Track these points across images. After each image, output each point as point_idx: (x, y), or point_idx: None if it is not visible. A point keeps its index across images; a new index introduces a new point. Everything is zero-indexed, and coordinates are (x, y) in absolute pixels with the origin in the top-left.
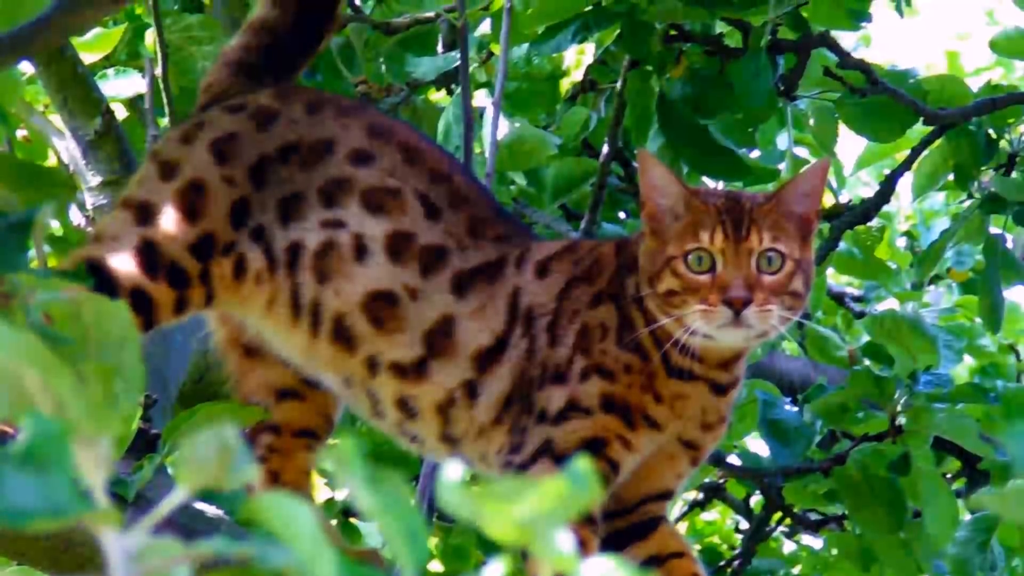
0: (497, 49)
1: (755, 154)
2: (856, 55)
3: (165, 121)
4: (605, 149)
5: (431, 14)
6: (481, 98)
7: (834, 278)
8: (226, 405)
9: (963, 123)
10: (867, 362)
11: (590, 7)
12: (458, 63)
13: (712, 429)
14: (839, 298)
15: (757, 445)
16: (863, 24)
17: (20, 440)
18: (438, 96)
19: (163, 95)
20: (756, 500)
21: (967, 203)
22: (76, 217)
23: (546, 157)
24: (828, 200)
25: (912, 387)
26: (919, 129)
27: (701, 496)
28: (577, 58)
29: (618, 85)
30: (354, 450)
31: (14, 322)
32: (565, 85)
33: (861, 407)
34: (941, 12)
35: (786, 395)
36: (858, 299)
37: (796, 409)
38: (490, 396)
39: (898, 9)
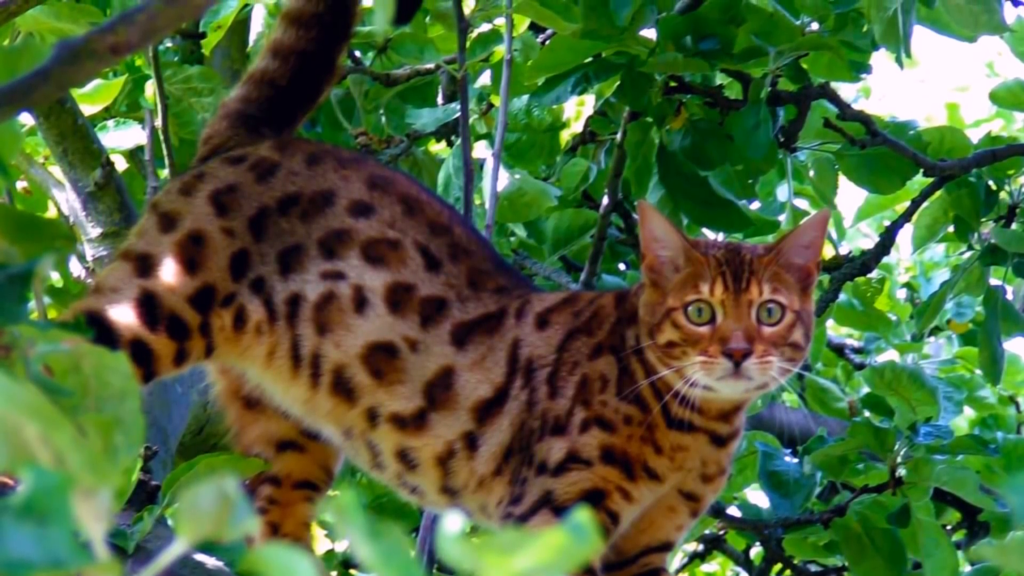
0: (497, 101)
1: (755, 205)
2: (856, 107)
3: (165, 172)
4: (605, 200)
5: (431, 66)
6: (481, 149)
7: (834, 329)
8: (226, 457)
9: (963, 175)
10: (867, 414)
11: (590, 59)
12: (458, 115)
13: (712, 480)
14: (839, 349)
15: (757, 497)
16: (863, 76)
17: (20, 492)
18: (438, 148)
19: (163, 146)
20: (756, 552)
21: (967, 255)
22: (76, 269)
23: (546, 209)
24: (828, 252)
25: (912, 439)
26: (919, 180)
27: (701, 547)
28: (577, 110)
29: (618, 137)
30: (354, 502)
31: (14, 374)
32: (565, 137)
33: (861, 459)
34: (941, 64)
35: (786, 447)
36: (858, 351)
37: (796, 461)
38: (490, 448)
39: (898, 61)
